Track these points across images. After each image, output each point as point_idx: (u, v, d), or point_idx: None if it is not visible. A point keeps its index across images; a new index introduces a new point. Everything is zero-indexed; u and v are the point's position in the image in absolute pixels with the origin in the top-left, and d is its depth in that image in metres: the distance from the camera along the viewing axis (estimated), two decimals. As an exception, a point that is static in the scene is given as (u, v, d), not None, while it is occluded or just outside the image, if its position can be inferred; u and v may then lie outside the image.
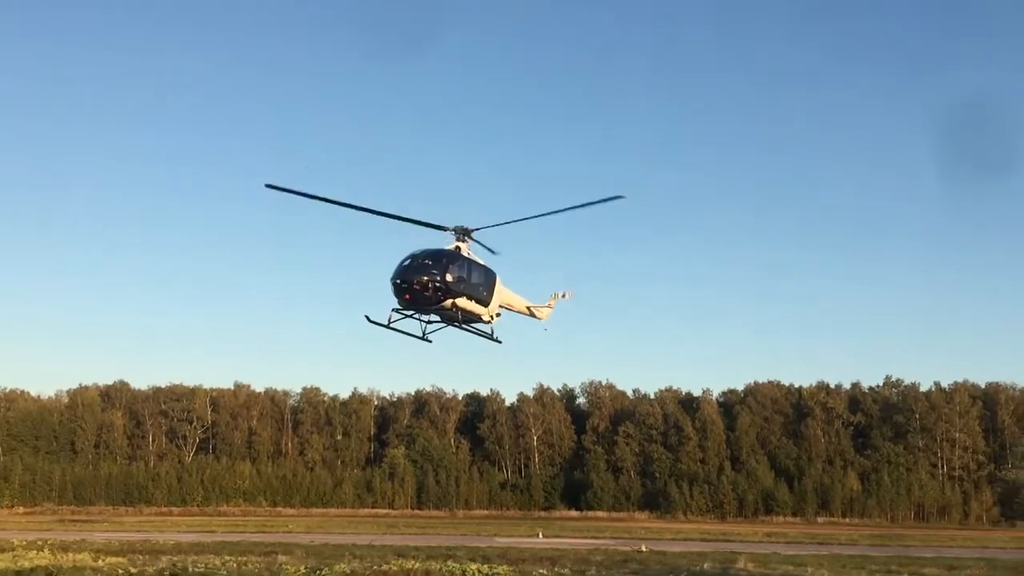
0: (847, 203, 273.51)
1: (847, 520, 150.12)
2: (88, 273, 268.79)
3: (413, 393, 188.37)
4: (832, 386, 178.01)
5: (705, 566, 46.10)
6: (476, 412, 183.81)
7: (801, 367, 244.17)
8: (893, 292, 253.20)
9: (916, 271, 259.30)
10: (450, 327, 38.04)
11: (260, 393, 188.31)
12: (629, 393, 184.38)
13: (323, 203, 35.15)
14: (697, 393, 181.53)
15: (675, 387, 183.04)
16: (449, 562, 45.18)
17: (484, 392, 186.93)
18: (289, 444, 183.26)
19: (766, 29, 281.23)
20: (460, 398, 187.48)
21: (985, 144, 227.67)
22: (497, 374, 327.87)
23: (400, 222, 35.44)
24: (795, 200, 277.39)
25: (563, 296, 45.71)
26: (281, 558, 47.21)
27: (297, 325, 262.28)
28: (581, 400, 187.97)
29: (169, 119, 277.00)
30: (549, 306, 45.32)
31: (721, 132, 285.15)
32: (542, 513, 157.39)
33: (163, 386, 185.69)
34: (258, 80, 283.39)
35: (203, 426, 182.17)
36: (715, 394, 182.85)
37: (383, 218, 35.14)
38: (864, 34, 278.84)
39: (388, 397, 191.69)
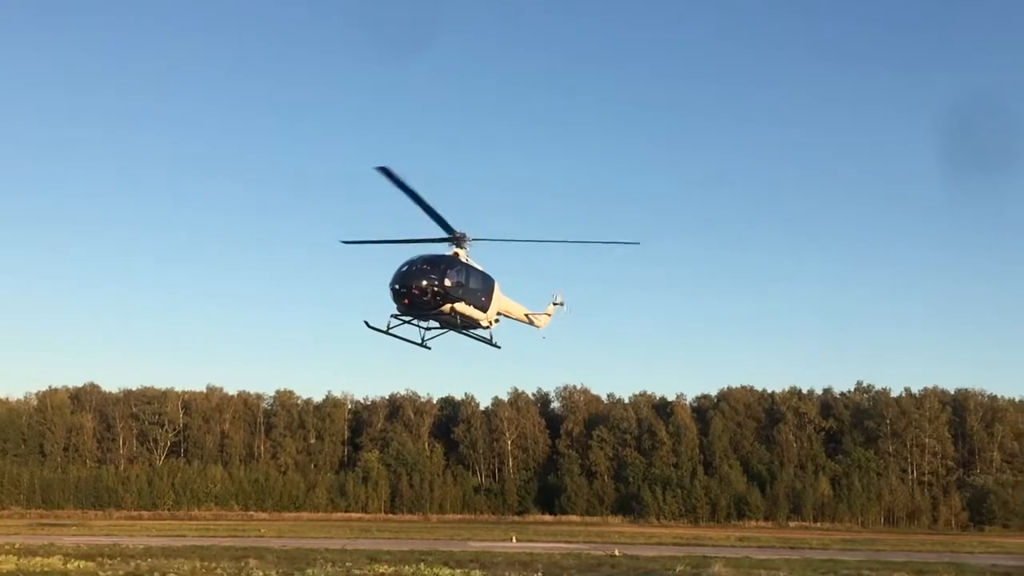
0: (821, 209, 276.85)
1: (818, 524, 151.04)
2: (58, 274, 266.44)
3: (387, 397, 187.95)
4: (804, 391, 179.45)
5: (678, 570, 46.19)
6: (450, 416, 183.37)
7: (774, 373, 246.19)
8: (865, 298, 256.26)
9: (888, 277, 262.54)
10: (449, 333, 38.05)
11: (233, 396, 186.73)
12: (603, 398, 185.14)
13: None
14: (671, 398, 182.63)
15: (649, 392, 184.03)
16: (422, 566, 44.92)
17: (458, 396, 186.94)
18: (262, 447, 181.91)
19: (765, 31, 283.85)
20: (434, 402, 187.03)
21: (958, 148, 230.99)
22: (472, 378, 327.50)
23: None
24: (770, 206, 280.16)
25: (560, 303, 46.03)
26: (252, 562, 46.85)
27: (270, 328, 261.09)
28: (555, 404, 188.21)
29: (163, 119, 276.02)
30: (548, 314, 45.37)
31: (706, 137, 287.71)
32: (516, 517, 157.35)
33: (134, 389, 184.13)
34: (256, 81, 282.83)
35: (174, 429, 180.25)
36: (688, 399, 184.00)
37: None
38: (854, 35, 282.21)
39: (362, 401, 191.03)
